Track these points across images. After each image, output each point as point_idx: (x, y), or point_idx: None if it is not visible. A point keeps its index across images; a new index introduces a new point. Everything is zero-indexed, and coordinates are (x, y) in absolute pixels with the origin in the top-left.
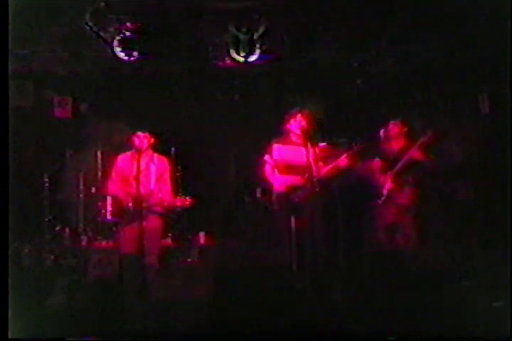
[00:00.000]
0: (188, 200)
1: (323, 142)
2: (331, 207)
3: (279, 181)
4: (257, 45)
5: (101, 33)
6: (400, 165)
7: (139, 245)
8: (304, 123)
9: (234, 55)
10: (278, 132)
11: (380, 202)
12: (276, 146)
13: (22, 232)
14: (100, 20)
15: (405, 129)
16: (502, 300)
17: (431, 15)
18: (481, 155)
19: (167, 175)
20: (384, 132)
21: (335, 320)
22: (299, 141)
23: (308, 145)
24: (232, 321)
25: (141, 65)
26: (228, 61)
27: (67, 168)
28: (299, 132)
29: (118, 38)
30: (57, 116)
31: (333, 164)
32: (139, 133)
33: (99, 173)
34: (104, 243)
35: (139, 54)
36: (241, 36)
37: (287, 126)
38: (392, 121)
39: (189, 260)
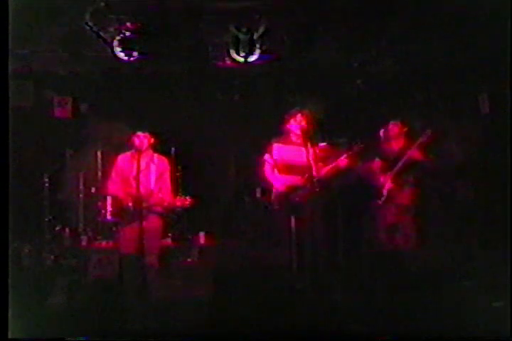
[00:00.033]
0: (188, 200)
1: (323, 142)
2: (331, 207)
3: (278, 181)
4: (257, 45)
5: (101, 33)
6: (399, 165)
7: (139, 245)
8: (303, 123)
9: (234, 55)
10: (278, 132)
11: (380, 202)
12: (276, 146)
13: (22, 232)
14: (100, 20)
15: (405, 129)
16: (502, 300)
17: (431, 15)
18: (481, 155)
19: (167, 175)
20: (384, 132)
21: (335, 320)
22: (299, 141)
23: (308, 145)
24: (232, 321)
25: (141, 65)
26: (228, 61)
27: (67, 168)
28: (298, 132)
29: (118, 38)
30: (57, 116)
31: (333, 164)
32: (139, 133)
33: (99, 173)
34: (104, 243)
35: (139, 54)
36: (241, 36)
37: (287, 126)
38: (392, 121)
39: (189, 260)
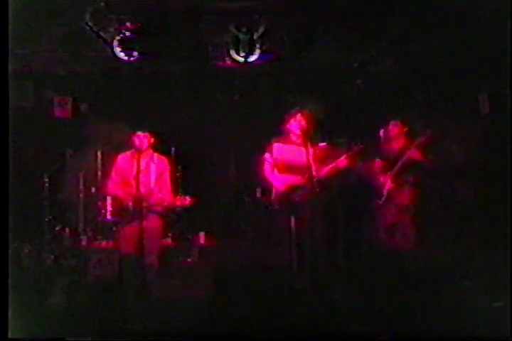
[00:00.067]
0: (187, 200)
1: (323, 142)
2: (331, 207)
3: (278, 180)
4: (257, 45)
5: (101, 33)
6: (399, 165)
7: (139, 245)
8: (303, 123)
9: (234, 55)
10: (278, 132)
11: (380, 202)
12: (276, 145)
13: (22, 232)
14: (100, 20)
15: (405, 129)
16: (502, 300)
17: (431, 15)
18: (481, 155)
19: (167, 175)
20: (384, 132)
21: (335, 320)
22: (299, 141)
23: (308, 145)
24: (232, 321)
25: (141, 65)
26: (228, 61)
27: (67, 168)
28: (298, 132)
29: (118, 38)
30: (57, 116)
31: (333, 164)
32: (139, 133)
33: (99, 173)
34: (104, 243)
35: (139, 54)
36: (241, 36)
37: (287, 125)
38: (392, 121)
39: (189, 260)
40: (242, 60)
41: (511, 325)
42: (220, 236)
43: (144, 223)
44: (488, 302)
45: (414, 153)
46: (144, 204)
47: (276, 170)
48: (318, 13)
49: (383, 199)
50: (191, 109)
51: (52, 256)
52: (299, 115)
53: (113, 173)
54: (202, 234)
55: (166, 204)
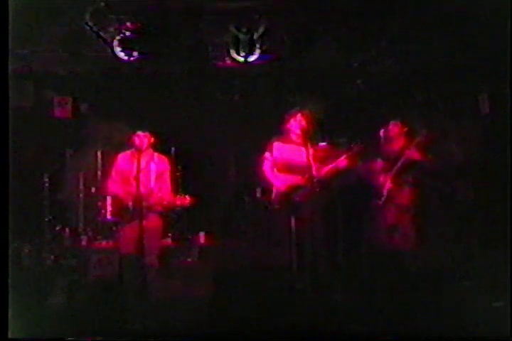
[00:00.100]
0: (187, 199)
1: (323, 142)
2: (331, 207)
3: (278, 179)
4: (257, 45)
5: (101, 33)
6: (398, 165)
7: (139, 245)
8: (303, 123)
9: (234, 55)
10: (278, 132)
11: (380, 202)
12: (276, 144)
13: (22, 232)
14: (100, 20)
15: (405, 129)
16: (502, 300)
17: (431, 15)
18: (481, 155)
19: (167, 174)
20: (384, 132)
21: (335, 320)
22: (299, 141)
23: (308, 145)
24: (232, 321)
25: (141, 65)
26: (228, 61)
27: (67, 168)
28: (299, 132)
29: (118, 37)
30: (57, 116)
31: (333, 164)
32: (139, 132)
33: (99, 173)
34: (104, 243)
35: (139, 54)
36: (241, 36)
37: (287, 125)
38: (392, 121)
39: (189, 260)
40: (242, 60)
41: (511, 325)
42: (220, 236)
43: (144, 223)
44: (488, 302)
45: (413, 153)
46: (144, 203)
47: (275, 170)
48: (318, 13)
49: (383, 199)
50: (191, 109)
51: (52, 256)
52: (299, 115)
53: (113, 172)
54: (202, 234)
55: (165, 203)
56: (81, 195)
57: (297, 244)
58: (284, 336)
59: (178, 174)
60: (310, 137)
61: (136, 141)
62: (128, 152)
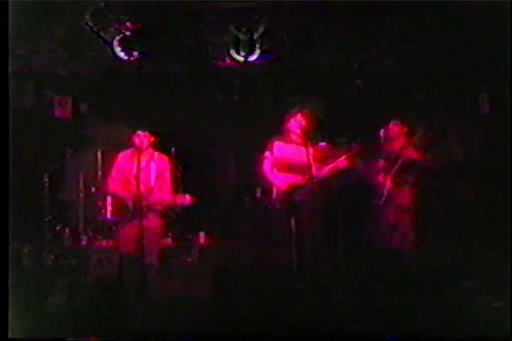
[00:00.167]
0: (187, 198)
1: (323, 142)
2: (331, 207)
3: (278, 179)
4: (257, 45)
5: (101, 33)
6: (398, 165)
7: (139, 245)
8: (303, 123)
9: (234, 55)
10: (278, 132)
11: (380, 202)
12: (277, 143)
13: (22, 232)
14: (100, 20)
15: (405, 129)
16: (502, 300)
17: (431, 15)
18: (481, 155)
19: (167, 174)
20: (384, 132)
21: (335, 320)
22: (299, 141)
23: (308, 144)
24: (232, 321)
25: (141, 65)
26: (228, 61)
27: (67, 168)
28: (299, 131)
29: (118, 38)
30: (57, 116)
31: (333, 164)
32: (139, 132)
33: (99, 173)
34: (104, 242)
35: (139, 54)
36: (241, 36)
37: (287, 125)
38: (392, 121)
39: (189, 260)
40: (242, 59)
41: (511, 325)
42: (220, 236)
43: (144, 222)
44: (488, 302)
45: (411, 153)
46: (144, 203)
47: (275, 169)
48: (318, 13)
49: (383, 199)
50: (191, 109)
51: (52, 256)
52: (299, 115)
53: (113, 171)
54: (202, 234)
55: (165, 203)
56: (81, 195)
57: (297, 244)
58: (284, 336)
59: (178, 174)
60: (310, 137)
61: (136, 140)
62: (128, 151)
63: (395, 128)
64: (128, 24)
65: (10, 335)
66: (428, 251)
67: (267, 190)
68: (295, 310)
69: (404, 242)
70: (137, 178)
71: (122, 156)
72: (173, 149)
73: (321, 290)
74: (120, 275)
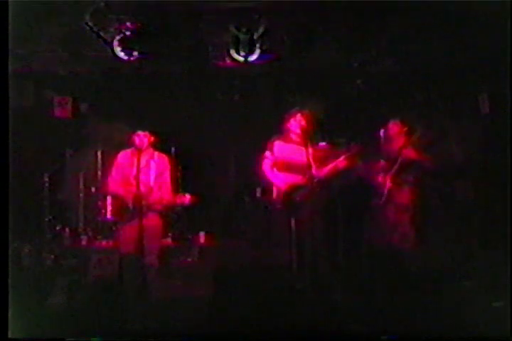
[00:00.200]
0: (187, 197)
1: (323, 142)
2: (331, 207)
3: (277, 178)
4: (257, 45)
5: (101, 33)
6: (397, 165)
7: (139, 245)
8: (303, 122)
9: (234, 54)
10: (278, 132)
11: (380, 202)
12: (277, 143)
13: (22, 232)
14: (100, 20)
15: (405, 129)
16: (502, 300)
17: (431, 15)
18: (481, 155)
19: (167, 173)
20: (384, 132)
21: (335, 320)
22: (299, 141)
23: (308, 144)
24: (232, 321)
25: (141, 65)
26: (228, 61)
27: (67, 168)
28: (298, 131)
29: (118, 38)
30: (57, 116)
31: (333, 164)
32: (139, 132)
33: (99, 173)
34: (104, 242)
35: (139, 54)
36: (241, 36)
37: (287, 125)
38: (392, 121)
39: (189, 260)
40: (242, 59)
41: (511, 325)
42: (220, 236)
43: (144, 222)
44: (488, 302)
45: (410, 152)
46: (144, 202)
47: (275, 169)
48: (318, 13)
49: (383, 199)
50: (191, 109)
51: (52, 256)
52: (299, 115)
53: (113, 171)
54: (202, 234)
55: (165, 202)
56: (81, 195)
57: (297, 244)
58: (284, 336)
59: (178, 174)
60: (310, 137)
61: (136, 140)
62: (128, 150)
63: (394, 127)
64: (128, 24)
65: (10, 335)
66: (428, 251)
67: (267, 190)
68: (295, 310)
69: (404, 242)
70: (137, 178)
71: (122, 156)
72: (173, 149)
73: (321, 290)
74: (120, 275)
